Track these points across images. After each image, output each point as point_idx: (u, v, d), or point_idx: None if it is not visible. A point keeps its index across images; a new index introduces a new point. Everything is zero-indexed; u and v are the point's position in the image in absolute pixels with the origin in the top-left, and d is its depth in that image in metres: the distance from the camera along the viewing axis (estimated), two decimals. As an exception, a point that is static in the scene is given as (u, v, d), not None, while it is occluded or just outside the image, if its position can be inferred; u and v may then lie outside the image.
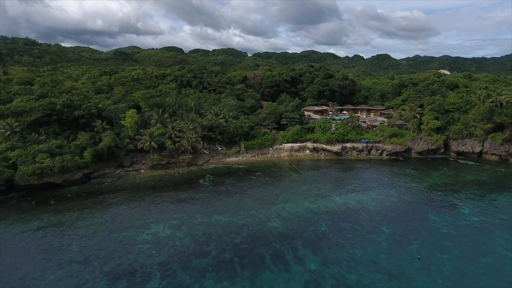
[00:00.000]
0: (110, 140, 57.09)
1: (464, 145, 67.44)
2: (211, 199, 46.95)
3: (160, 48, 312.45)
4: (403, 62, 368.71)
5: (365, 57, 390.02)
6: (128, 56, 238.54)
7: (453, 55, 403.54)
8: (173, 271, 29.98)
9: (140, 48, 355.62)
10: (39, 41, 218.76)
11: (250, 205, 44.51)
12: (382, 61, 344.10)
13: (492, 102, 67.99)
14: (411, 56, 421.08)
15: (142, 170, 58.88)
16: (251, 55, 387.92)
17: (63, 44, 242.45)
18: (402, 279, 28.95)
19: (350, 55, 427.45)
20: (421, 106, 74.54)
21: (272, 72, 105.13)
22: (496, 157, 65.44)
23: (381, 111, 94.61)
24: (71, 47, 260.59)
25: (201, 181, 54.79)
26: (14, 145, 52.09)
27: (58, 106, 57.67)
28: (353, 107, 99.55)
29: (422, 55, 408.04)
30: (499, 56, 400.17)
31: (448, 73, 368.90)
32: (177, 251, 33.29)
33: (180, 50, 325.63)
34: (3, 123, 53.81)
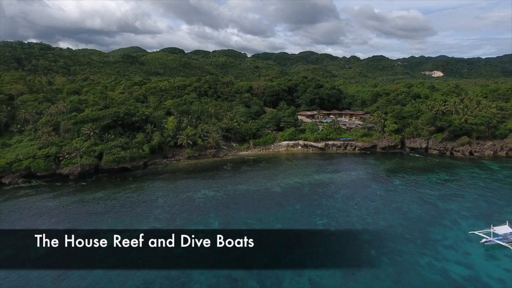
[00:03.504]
0: (159, 139, 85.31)
1: (414, 143, 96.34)
2: (234, 177, 75.40)
3: (162, 50, 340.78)
4: (398, 63, 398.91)
5: (363, 57, 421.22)
6: (135, 59, 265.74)
7: (450, 55, 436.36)
8: (220, 210, 57.95)
9: (141, 48, 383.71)
10: (53, 45, 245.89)
11: (260, 180, 72.95)
12: (378, 62, 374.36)
13: (436, 111, 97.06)
14: (407, 56, 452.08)
15: (181, 160, 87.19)
16: (250, 55, 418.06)
17: (61, 43, 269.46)
18: (345, 212, 57.15)
19: (348, 55, 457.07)
20: (386, 113, 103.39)
21: (272, 82, 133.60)
22: (437, 151, 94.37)
23: (361, 116, 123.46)
24: (79, 49, 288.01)
25: (225, 167, 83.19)
26: (96, 142, 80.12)
27: (121, 114, 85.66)
28: (339, 112, 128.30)
29: (418, 56, 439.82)
30: (495, 56, 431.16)
31: (441, 74, 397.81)
32: (221, 202, 61.45)
33: (181, 51, 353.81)
34: (87, 126, 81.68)
